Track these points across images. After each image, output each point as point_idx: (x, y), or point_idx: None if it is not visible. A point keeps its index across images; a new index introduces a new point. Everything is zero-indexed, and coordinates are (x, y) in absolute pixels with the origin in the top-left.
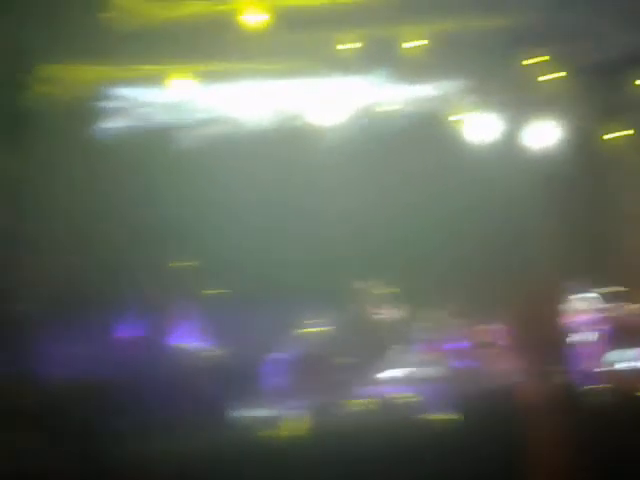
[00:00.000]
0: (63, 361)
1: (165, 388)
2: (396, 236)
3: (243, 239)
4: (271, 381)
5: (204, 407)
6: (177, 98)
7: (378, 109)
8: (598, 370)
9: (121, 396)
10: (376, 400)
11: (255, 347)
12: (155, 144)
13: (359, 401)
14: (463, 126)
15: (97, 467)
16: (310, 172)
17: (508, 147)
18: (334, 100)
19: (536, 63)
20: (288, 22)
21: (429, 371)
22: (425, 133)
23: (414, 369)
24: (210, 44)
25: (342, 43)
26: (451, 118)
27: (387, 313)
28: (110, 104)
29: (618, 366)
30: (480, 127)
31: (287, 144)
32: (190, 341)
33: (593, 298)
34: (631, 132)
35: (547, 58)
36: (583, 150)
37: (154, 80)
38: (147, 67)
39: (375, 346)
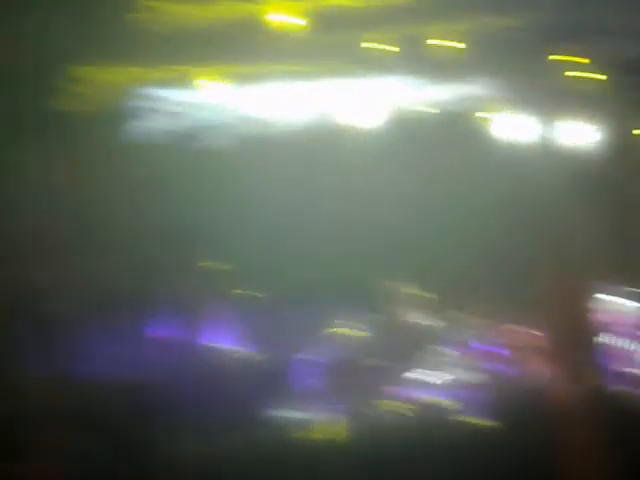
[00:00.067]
0: (97, 361)
1: (198, 389)
2: (430, 237)
3: (275, 240)
4: (304, 383)
5: (237, 408)
6: (208, 99)
7: (411, 109)
8: (631, 371)
9: (154, 396)
10: (409, 403)
11: (288, 349)
12: (186, 145)
13: (393, 404)
14: (496, 125)
15: (130, 467)
16: (342, 172)
17: (541, 145)
18: (366, 101)
19: (569, 61)
20: (320, 23)
21: (463, 374)
22: (458, 132)
23: (448, 372)
24: (241, 45)
25: (373, 43)
26: (484, 117)
27: (421, 315)
28: (141, 105)
29: None
30: (513, 126)
31: (318, 145)
32: (223, 342)
33: (626, 297)
34: None
35: (580, 56)
36: (616, 148)
37: (185, 81)
38: (178, 68)
39: (409, 349)
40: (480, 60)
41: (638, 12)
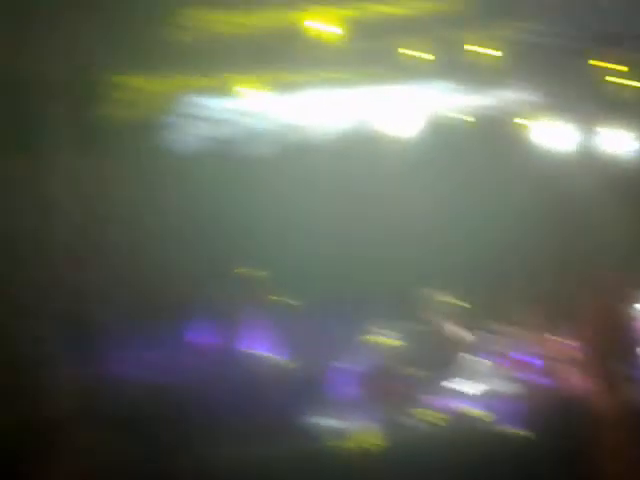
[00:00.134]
0: (135, 365)
1: (235, 395)
2: (467, 245)
3: (313, 248)
4: (339, 391)
5: (273, 415)
6: (249, 107)
7: (448, 116)
8: None
9: (189, 402)
10: (444, 413)
11: (323, 356)
12: (226, 154)
13: (427, 413)
14: (533, 132)
15: (165, 472)
16: (379, 180)
17: (578, 152)
18: (403, 107)
19: (607, 67)
20: (358, 30)
21: (498, 384)
22: (495, 139)
23: (483, 382)
24: (280, 53)
25: (410, 50)
26: (521, 124)
27: (456, 324)
28: (183, 115)
29: None
30: (550, 133)
31: (356, 152)
32: (259, 349)
33: None
34: None
35: (618, 62)
36: None
37: (226, 90)
38: (219, 77)
39: (444, 358)
40: (517, 67)
41: None
